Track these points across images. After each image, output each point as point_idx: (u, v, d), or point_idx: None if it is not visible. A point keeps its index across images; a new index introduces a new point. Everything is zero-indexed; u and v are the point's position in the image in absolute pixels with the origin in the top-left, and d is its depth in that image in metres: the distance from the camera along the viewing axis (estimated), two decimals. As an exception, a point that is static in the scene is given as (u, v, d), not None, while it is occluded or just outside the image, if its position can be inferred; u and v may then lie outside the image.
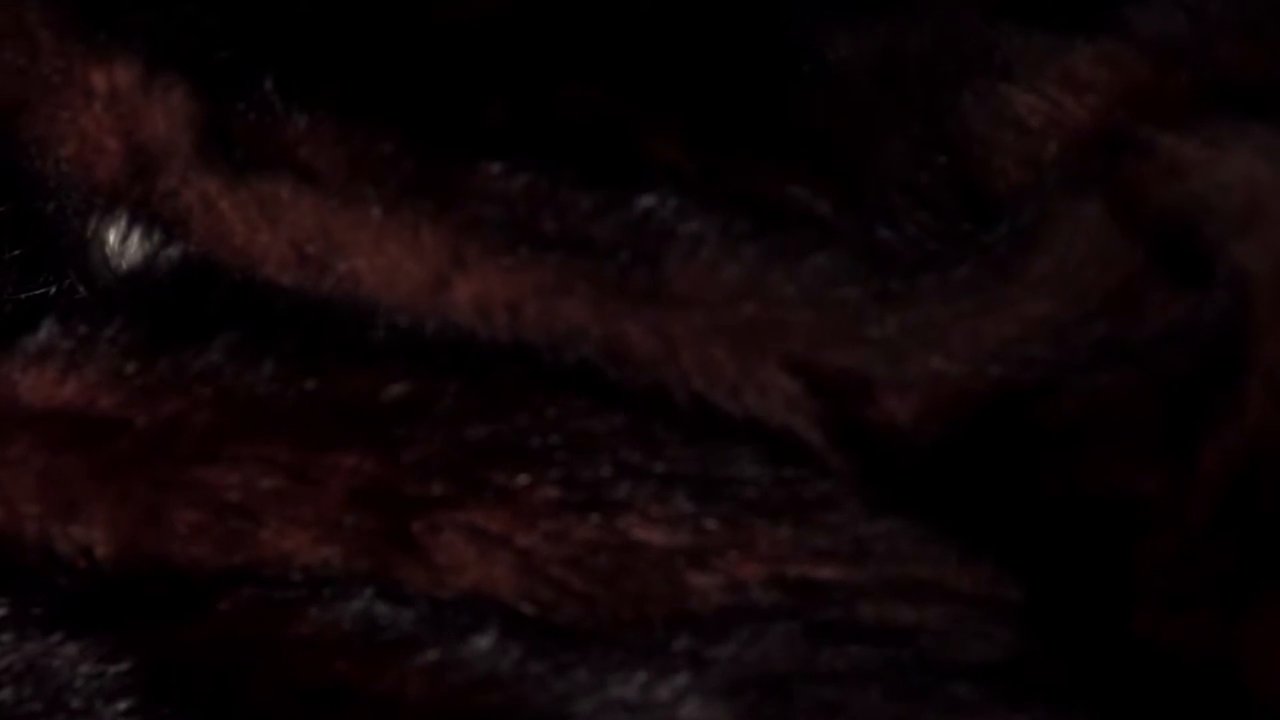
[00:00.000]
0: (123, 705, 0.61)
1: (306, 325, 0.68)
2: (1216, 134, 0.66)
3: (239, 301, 0.69)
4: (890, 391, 0.65)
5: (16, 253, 0.73)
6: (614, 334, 0.66)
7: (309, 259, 0.68)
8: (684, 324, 0.65)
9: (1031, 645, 0.61)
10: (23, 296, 0.71)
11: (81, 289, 0.72)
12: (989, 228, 0.68)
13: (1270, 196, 0.64)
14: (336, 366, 0.65)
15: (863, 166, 0.71)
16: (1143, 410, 0.64)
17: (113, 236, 0.84)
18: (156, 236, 0.82)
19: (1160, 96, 0.70)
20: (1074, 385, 0.64)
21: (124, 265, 0.83)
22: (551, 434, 0.63)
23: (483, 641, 0.59)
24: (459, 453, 0.62)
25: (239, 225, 0.70)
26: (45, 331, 0.67)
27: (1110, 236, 0.65)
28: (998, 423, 0.65)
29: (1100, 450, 0.65)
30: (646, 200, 0.68)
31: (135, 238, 0.83)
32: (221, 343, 0.65)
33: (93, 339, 0.66)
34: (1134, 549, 0.64)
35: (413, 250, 0.67)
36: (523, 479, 0.61)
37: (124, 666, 0.62)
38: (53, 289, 0.72)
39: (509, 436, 0.62)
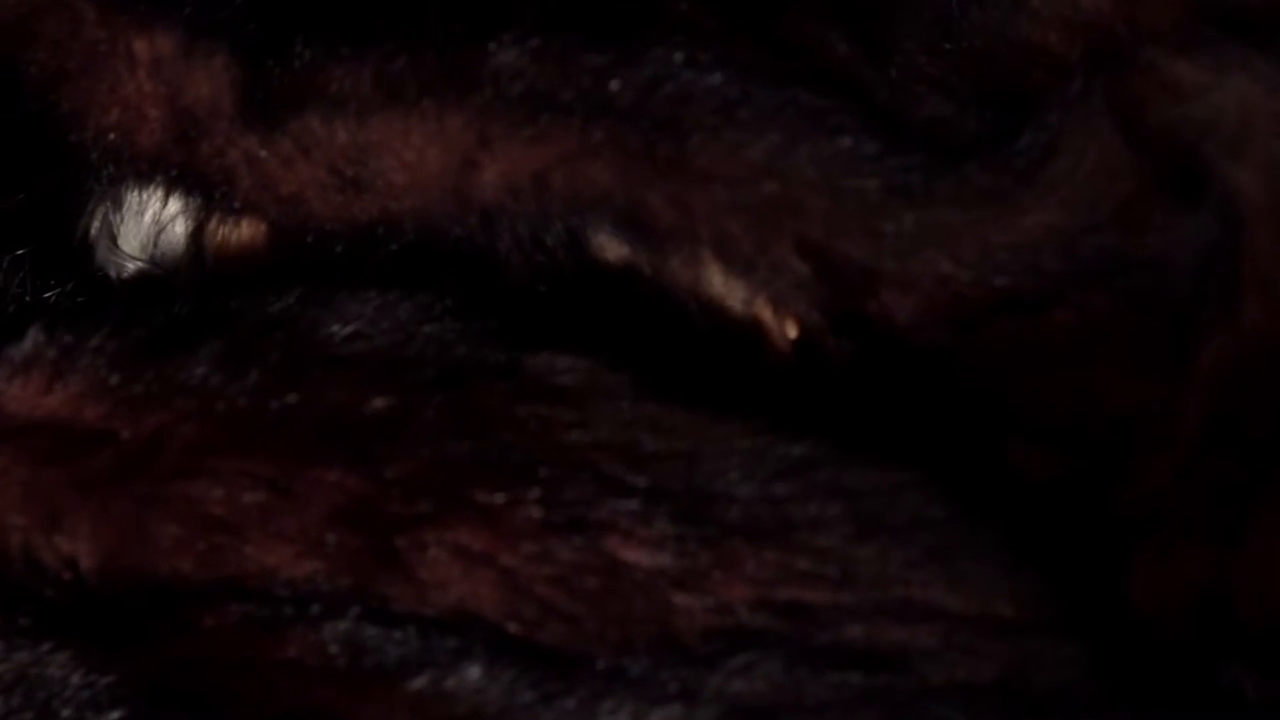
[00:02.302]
0: (114, 716, 0.59)
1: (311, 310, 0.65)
2: (1217, 59, 0.65)
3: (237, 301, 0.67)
4: (894, 288, 0.64)
5: (21, 251, 0.71)
6: (636, 201, 0.65)
7: (345, 180, 0.68)
8: (705, 198, 0.64)
9: (1023, 661, 0.59)
10: (27, 299, 0.68)
11: (76, 293, 0.71)
12: (1004, 124, 0.67)
13: (1263, 121, 0.63)
14: (320, 377, 0.62)
15: (885, 27, 0.70)
16: (1140, 325, 0.63)
17: (120, 220, 0.82)
18: (165, 216, 0.80)
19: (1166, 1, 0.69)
20: (1074, 299, 0.63)
21: (133, 245, 0.82)
22: (533, 449, 0.59)
23: (471, 670, 0.56)
24: (442, 470, 0.59)
25: (280, 169, 0.69)
26: (30, 340, 0.63)
27: (1119, 152, 0.64)
28: (994, 333, 0.64)
29: (1096, 363, 0.64)
30: (658, 52, 0.66)
31: (144, 219, 0.82)
32: (206, 353, 0.62)
33: (78, 348, 0.63)
34: (1129, 474, 0.62)
35: (438, 139, 0.66)
36: (505, 498, 0.58)
37: (113, 678, 0.59)
38: (54, 293, 0.70)
39: (491, 453, 0.59)
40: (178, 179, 0.72)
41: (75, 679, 0.59)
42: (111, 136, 0.71)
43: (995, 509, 0.64)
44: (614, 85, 0.66)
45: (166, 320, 0.64)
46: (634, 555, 0.57)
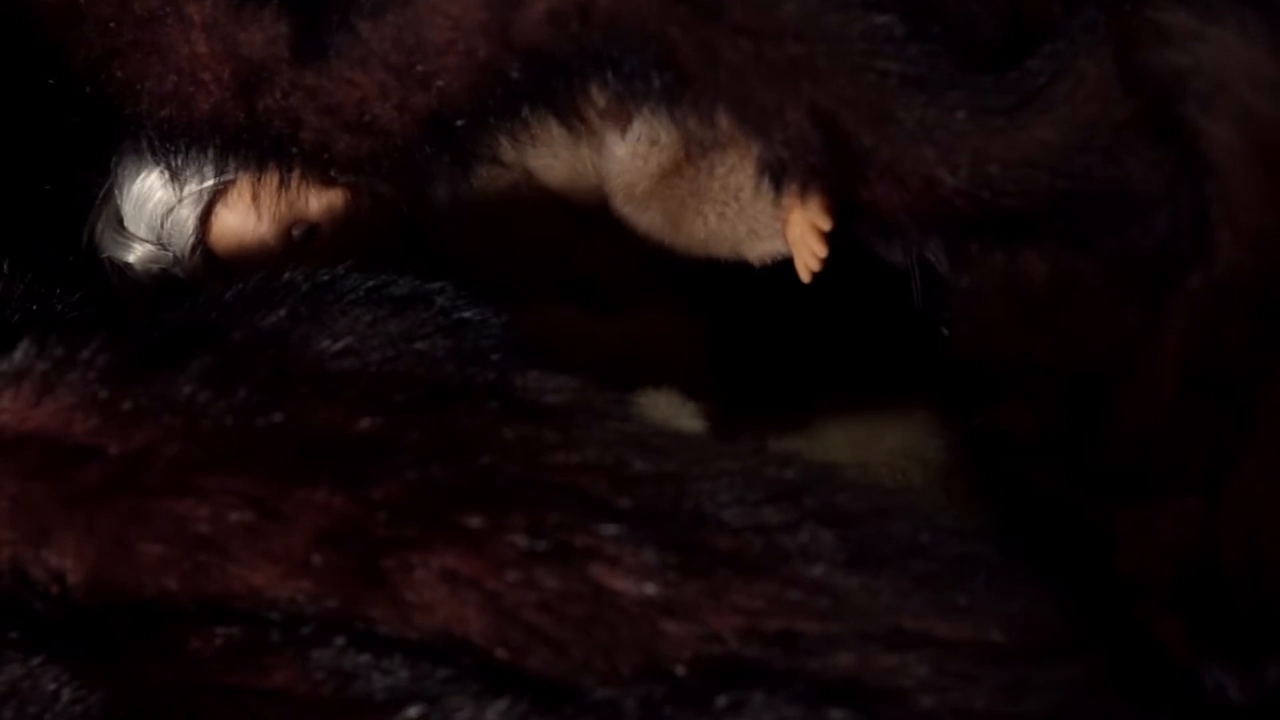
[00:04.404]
0: (107, 729, 0.56)
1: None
2: (1209, 9, 0.65)
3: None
4: (886, 179, 0.64)
5: (27, 259, 0.69)
6: (670, 42, 0.64)
7: (400, 72, 0.68)
8: (733, 48, 0.64)
9: (1015, 687, 0.57)
10: (33, 308, 0.66)
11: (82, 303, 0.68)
12: (1015, 47, 0.66)
13: (1240, 72, 0.63)
14: (308, 394, 0.60)
15: None
16: (1115, 265, 0.63)
17: (127, 207, 0.80)
18: (172, 199, 0.79)
19: None
20: (1052, 231, 0.64)
21: (141, 229, 0.80)
22: (519, 471, 0.57)
23: (460, 704, 0.54)
24: (428, 492, 0.57)
25: (342, 90, 0.69)
26: (21, 352, 0.61)
27: (1115, 84, 0.64)
28: (977, 276, 0.65)
29: (1071, 305, 0.64)
30: None
31: (151, 204, 0.80)
32: (196, 368, 0.60)
33: (68, 361, 0.61)
34: (1111, 425, 0.62)
35: None
36: (490, 522, 0.56)
37: (104, 694, 0.57)
38: (61, 303, 0.67)
39: (477, 475, 0.57)
40: (236, 137, 0.71)
41: (66, 694, 0.57)
42: (168, 104, 0.71)
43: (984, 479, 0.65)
44: None
45: (158, 334, 0.61)
46: (620, 583, 0.55)
